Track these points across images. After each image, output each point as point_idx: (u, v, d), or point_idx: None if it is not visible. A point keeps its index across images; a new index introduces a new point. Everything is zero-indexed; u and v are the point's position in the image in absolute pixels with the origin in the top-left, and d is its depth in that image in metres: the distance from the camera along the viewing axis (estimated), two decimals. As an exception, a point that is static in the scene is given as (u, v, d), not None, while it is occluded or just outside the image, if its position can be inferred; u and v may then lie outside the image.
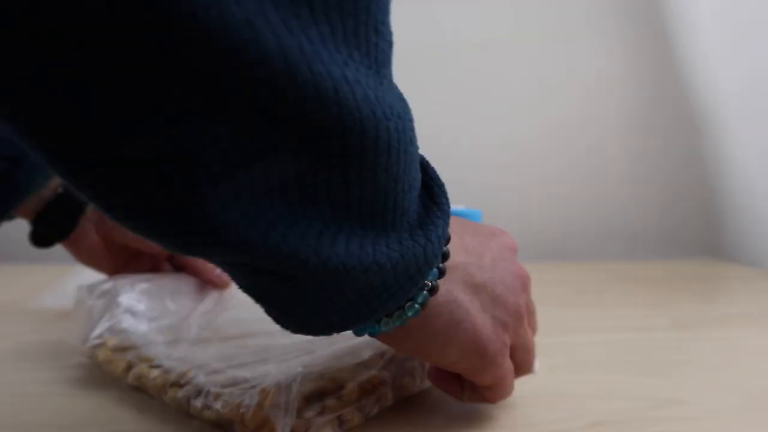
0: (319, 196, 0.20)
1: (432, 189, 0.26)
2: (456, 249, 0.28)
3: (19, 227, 0.50)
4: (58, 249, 0.50)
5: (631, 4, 0.91)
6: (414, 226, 0.24)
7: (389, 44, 0.21)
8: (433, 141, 0.87)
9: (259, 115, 0.18)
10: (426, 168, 0.27)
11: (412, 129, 0.23)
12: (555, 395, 0.37)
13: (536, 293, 0.65)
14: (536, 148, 0.90)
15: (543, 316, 0.56)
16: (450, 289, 0.27)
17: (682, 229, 0.96)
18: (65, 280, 0.63)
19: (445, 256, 0.26)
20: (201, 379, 0.32)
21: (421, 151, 0.27)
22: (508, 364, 0.31)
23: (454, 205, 0.64)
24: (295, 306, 0.23)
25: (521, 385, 0.39)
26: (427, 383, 0.36)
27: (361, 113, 0.19)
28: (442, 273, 0.26)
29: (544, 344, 0.47)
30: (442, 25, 0.86)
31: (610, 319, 0.55)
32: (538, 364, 0.36)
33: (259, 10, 0.16)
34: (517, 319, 0.31)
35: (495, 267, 0.31)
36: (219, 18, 0.15)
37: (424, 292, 0.26)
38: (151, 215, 0.18)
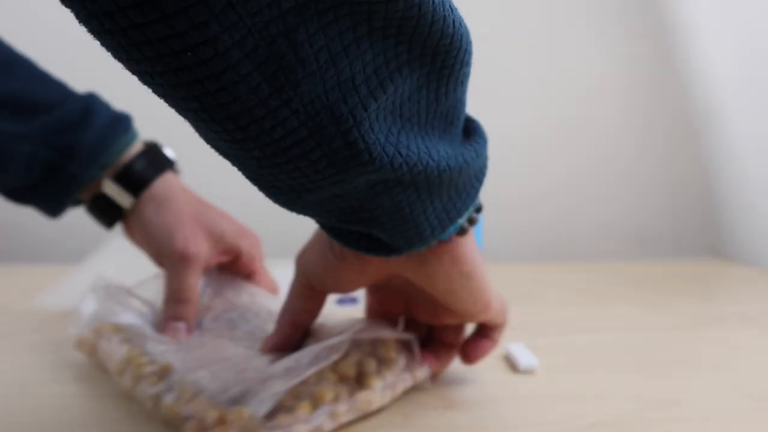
0: (420, 110, 0.24)
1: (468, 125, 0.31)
2: None
3: (20, 227, 0.50)
4: (57, 249, 0.50)
5: (631, 4, 0.91)
6: (463, 138, 0.29)
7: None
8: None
9: (399, 40, 0.21)
10: None
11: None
12: (555, 395, 0.37)
13: (536, 293, 0.66)
14: (536, 148, 0.90)
15: (543, 316, 0.56)
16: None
17: (683, 229, 0.96)
18: (65, 280, 0.63)
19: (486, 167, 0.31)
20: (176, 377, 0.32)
21: None
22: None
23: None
24: (408, 215, 0.27)
25: (521, 385, 0.39)
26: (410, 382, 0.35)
27: (462, 35, 0.23)
28: (478, 209, 0.32)
29: (545, 344, 0.47)
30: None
31: (610, 319, 0.55)
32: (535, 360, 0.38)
33: None
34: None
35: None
36: None
37: (472, 210, 0.31)
38: (319, 142, 0.21)
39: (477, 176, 0.30)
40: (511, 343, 0.47)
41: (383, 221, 0.27)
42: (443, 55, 0.23)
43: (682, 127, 0.94)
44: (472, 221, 0.31)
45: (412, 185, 0.25)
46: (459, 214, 0.29)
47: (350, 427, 0.32)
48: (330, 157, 0.21)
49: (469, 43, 0.24)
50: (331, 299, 0.57)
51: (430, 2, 0.20)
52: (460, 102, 0.27)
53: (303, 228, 0.88)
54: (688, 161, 0.95)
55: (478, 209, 0.32)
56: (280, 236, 0.85)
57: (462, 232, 0.31)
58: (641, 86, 0.93)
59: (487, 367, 0.42)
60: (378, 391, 0.33)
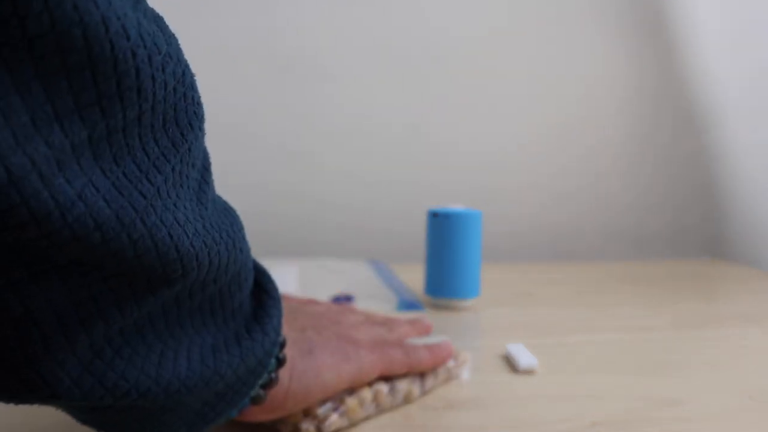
0: (156, 322, 0.21)
1: (259, 278, 0.28)
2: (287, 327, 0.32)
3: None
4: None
5: (631, 4, 0.91)
6: (250, 319, 0.26)
7: (206, 162, 0.23)
8: (433, 142, 0.87)
9: (100, 277, 0.18)
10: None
11: (243, 234, 0.25)
12: (555, 395, 0.37)
13: (537, 293, 0.66)
14: (536, 148, 0.90)
15: (543, 316, 0.56)
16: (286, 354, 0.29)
17: (683, 229, 0.96)
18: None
19: (282, 345, 0.28)
20: None
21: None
22: (377, 347, 0.34)
23: (455, 206, 0.64)
24: (138, 428, 0.23)
25: (521, 385, 0.39)
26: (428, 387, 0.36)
27: (195, 248, 0.20)
28: (281, 362, 0.28)
29: (545, 344, 0.47)
30: (442, 25, 0.86)
31: (610, 319, 0.55)
32: (467, 373, 0.40)
33: (88, 182, 0.16)
34: (334, 322, 0.36)
35: (305, 312, 0.37)
36: (53, 199, 0.15)
37: (261, 389, 0.27)
38: None
39: (248, 375, 0.25)
40: (511, 343, 0.47)
41: (106, 428, 0.23)
42: (167, 276, 0.19)
43: (682, 128, 0.94)
44: (270, 383, 0.27)
45: (133, 408, 0.21)
46: (222, 414, 0.25)
47: (350, 427, 0.32)
48: (4, 383, 0.18)
49: (218, 253, 0.21)
50: (326, 297, 0.57)
51: (125, 237, 0.17)
52: (226, 294, 0.24)
53: (303, 228, 0.88)
54: (688, 161, 0.95)
55: (281, 361, 0.27)
56: (280, 236, 0.85)
57: (258, 400, 0.27)
58: (642, 87, 0.93)
59: (487, 367, 0.42)
60: (415, 380, 0.36)
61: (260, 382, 0.26)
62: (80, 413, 0.22)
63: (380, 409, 0.33)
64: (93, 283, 0.18)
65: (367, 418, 0.33)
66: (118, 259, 0.18)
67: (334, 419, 0.31)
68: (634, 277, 0.75)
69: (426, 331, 0.42)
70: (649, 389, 0.38)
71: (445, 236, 0.56)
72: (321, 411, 0.30)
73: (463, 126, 0.88)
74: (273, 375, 0.27)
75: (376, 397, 0.33)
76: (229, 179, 0.83)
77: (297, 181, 0.84)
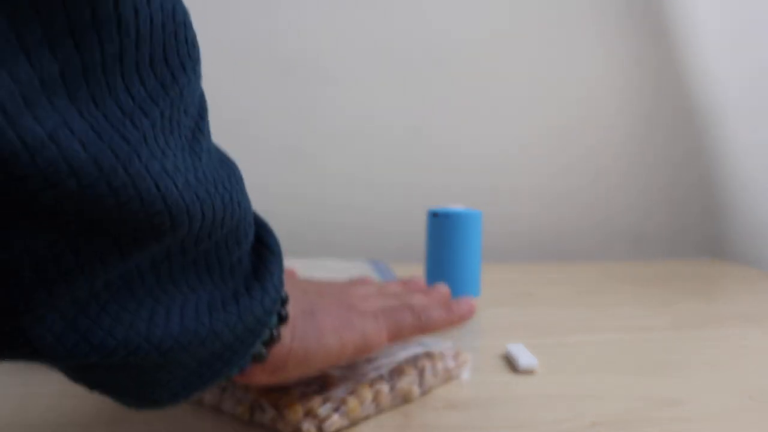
0: (146, 277, 0.20)
1: (260, 232, 0.26)
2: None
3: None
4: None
5: (631, 4, 0.91)
6: (249, 276, 0.24)
7: (202, 111, 0.21)
8: (433, 142, 0.87)
9: (80, 228, 0.17)
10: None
11: (241, 187, 0.23)
12: (555, 395, 0.37)
13: (537, 293, 0.66)
14: (536, 148, 0.90)
15: (543, 316, 0.56)
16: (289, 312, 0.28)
17: (683, 229, 0.96)
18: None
19: (285, 301, 0.26)
20: None
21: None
22: (382, 313, 0.32)
23: (455, 206, 0.64)
24: (131, 387, 0.22)
25: (521, 385, 0.39)
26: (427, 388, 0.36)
27: (185, 200, 0.19)
28: (282, 319, 0.26)
29: (545, 344, 0.47)
30: (443, 27, 0.86)
31: (610, 319, 0.55)
32: (467, 374, 0.39)
33: (61, 122, 0.15)
34: (340, 291, 0.34)
35: (309, 281, 0.35)
36: (19, 138, 0.14)
37: (263, 347, 0.26)
38: None
39: (247, 334, 0.24)
40: (511, 343, 0.47)
41: (97, 386, 0.22)
42: (154, 230, 0.18)
43: (682, 128, 0.94)
44: (272, 341, 0.26)
45: (124, 366, 0.21)
46: (220, 373, 0.24)
47: (351, 427, 0.32)
48: None
49: (212, 206, 0.20)
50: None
51: (104, 185, 0.16)
52: (222, 250, 0.22)
53: (305, 228, 0.88)
54: (689, 162, 0.95)
55: (283, 318, 0.26)
56: (282, 237, 0.85)
57: (259, 358, 0.26)
58: (641, 87, 0.93)
59: (487, 367, 0.42)
60: (415, 380, 0.35)
61: (262, 339, 0.25)
62: (70, 371, 0.21)
63: (380, 409, 0.33)
64: (73, 234, 0.17)
65: (367, 418, 0.33)
66: (97, 208, 0.16)
67: (335, 419, 0.31)
68: (634, 277, 0.75)
69: (443, 296, 0.38)
70: (649, 389, 0.38)
71: (445, 236, 0.56)
72: (322, 411, 0.31)
73: (464, 127, 0.88)
74: (275, 332, 0.26)
75: (376, 397, 0.33)
76: (230, 179, 0.83)
77: (299, 182, 0.84)
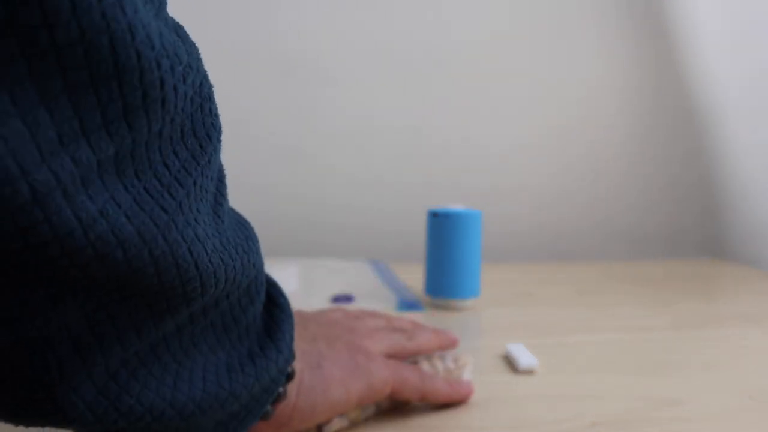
0: (171, 341, 0.20)
1: (270, 291, 0.27)
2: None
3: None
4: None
5: (631, 5, 0.91)
6: (262, 335, 0.25)
7: (221, 175, 0.22)
8: (434, 143, 0.87)
9: (119, 297, 0.17)
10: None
11: (257, 248, 0.24)
12: (555, 395, 0.37)
13: (537, 293, 0.66)
14: (536, 148, 0.90)
15: (543, 316, 0.56)
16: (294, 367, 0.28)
17: (682, 229, 0.96)
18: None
19: (292, 359, 0.27)
20: None
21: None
22: (392, 364, 0.32)
23: (455, 206, 0.64)
24: None
25: (521, 385, 0.39)
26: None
27: (213, 265, 0.19)
28: (289, 376, 0.27)
29: (545, 344, 0.47)
30: (443, 28, 0.86)
31: (610, 319, 0.55)
32: (469, 375, 0.39)
33: (110, 198, 0.16)
34: (349, 330, 0.34)
35: (318, 321, 0.35)
36: (75, 216, 0.15)
37: (268, 406, 0.26)
38: (4, 393, 0.17)
39: (262, 393, 0.24)
40: (511, 343, 0.47)
41: None
42: (186, 296, 0.19)
43: (682, 128, 0.94)
44: (278, 398, 0.27)
45: (147, 430, 0.21)
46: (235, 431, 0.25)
47: (351, 427, 0.32)
48: (18, 406, 0.18)
49: (234, 269, 0.21)
50: (326, 297, 0.57)
51: (146, 254, 0.17)
52: (234, 306, 0.23)
53: (305, 228, 0.88)
54: (689, 161, 0.95)
55: (289, 376, 0.27)
56: (282, 236, 0.85)
57: (265, 416, 0.26)
58: (641, 87, 0.93)
59: (487, 367, 0.42)
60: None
61: (266, 406, 0.26)
62: None
63: (380, 409, 0.33)
64: (111, 305, 0.17)
65: (367, 418, 0.33)
66: (138, 277, 0.17)
67: (335, 420, 0.31)
68: (634, 277, 0.75)
69: (452, 344, 0.39)
70: (649, 389, 0.38)
71: (445, 236, 0.56)
72: None
73: (464, 128, 0.88)
74: (281, 389, 0.26)
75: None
76: (232, 180, 0.83)
77: (299, 182, 0.84)
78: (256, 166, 0.83)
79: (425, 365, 0.37)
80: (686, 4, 0.92)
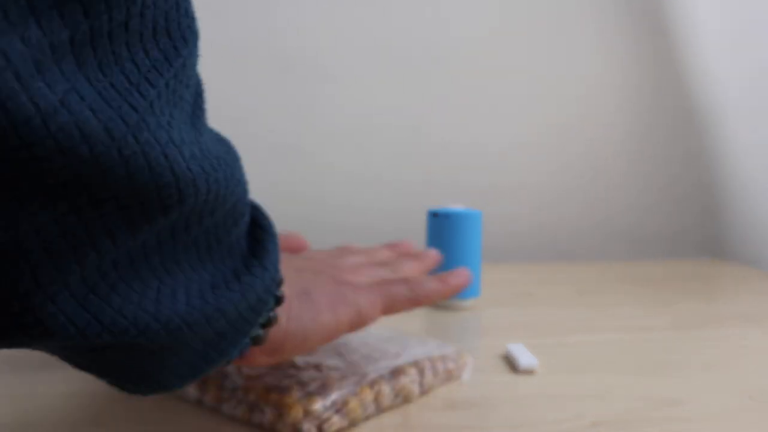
0: (151, 256, 0.19)
1: (254, 213, 0.26)
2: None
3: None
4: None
5: (631, 2, 0.91)
6: (247, 255, 0.24)
7: (199, 88, 0.21)
8: (434, 142, 0.87)
9: (89, 200, 0.16)
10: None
11: (239, 165, 0.23)
12: (555, 395, 0.37)
13: (537, 293, 0.66)
14: (535, 147, 0.90)
15: (543, 316, 0.56)
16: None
17: (682, 229, 0.96)
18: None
19: (280, 283, 0.26)
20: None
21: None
22: (376, 286, 0.32)
23: (454, 206, 0.64)
24: (138, 371, 0.22)
25: (521, 385, 0.39)
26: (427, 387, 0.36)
27: (192, 172, 0.18)
28: (279, 300, 0.26)
29: (545, 344, 0.47)
30: (442, 25, 0.86)
31: (610, 319, 0.55)
32: (467, 373, 0.39)
33: (71, 88, 0.15)
34: (332, 266, 0.34)
35: (302, 257, 0.35)
36: (32, 103, 0.14)
37: (261, 329, 0.26)
38: None
39: (249, 312, 0.24)
40: (511, 343, 0.47)
41: (105, 373, 0.22)
42: (163, 202, 0.18)
43: (682, 128, 0.94)
44: (269, 322, 0.26)
45: (133, 347, 0.20)
46: (224, 354, 0.24)
47: (351, 427, 0.32)
48: None
49: (216, 180, 0.20)
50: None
51: (115, 152, 0.16)
52: (221, 228, 0.22)
53: (303, 227, 0.88)
54: (689, 161, 0.95)
55: (279, 300, 0.26)
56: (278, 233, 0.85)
57: (258, 340, 0.26)
58: (641, 86, 0.93)
59: (487, 367, 0.42)
60: (415, 380, 0.35)
61: (262, 318, 0.25)
62: (77, 356, 0.21)
63: (380, 409, 0.33)
64: (82, 209, 0.16)
65: (367, 418, 0.33)
66: (108, 178, 0.16)
67: (335, 420, 0.31)
68: (634, 277, 0.75)
69: (434, 261, 0.39)
70: (649, 389, 0.38)
71: (445, 236, 0.56)
72: (322, 411, 0.31)
73: (463, 126, 0.88)
74: (272, 314, 0.26)
75: (376, 397, 0.33)
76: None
77: (297, 180, 0.84)
78: (254, 164, 0.83)
79: (427, 365, 0.37)
80: (686, 2, 0.92)
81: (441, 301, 0.34)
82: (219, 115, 0.81)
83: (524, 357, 0.42)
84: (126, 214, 0.17)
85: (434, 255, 0.39)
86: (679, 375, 0.41)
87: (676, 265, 0.85)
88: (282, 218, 0.84)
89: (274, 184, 0.84)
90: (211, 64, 0.81)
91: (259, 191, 0.84)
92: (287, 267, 0.31)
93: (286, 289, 0.28)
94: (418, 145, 0.86)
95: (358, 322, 0.30)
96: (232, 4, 0.81)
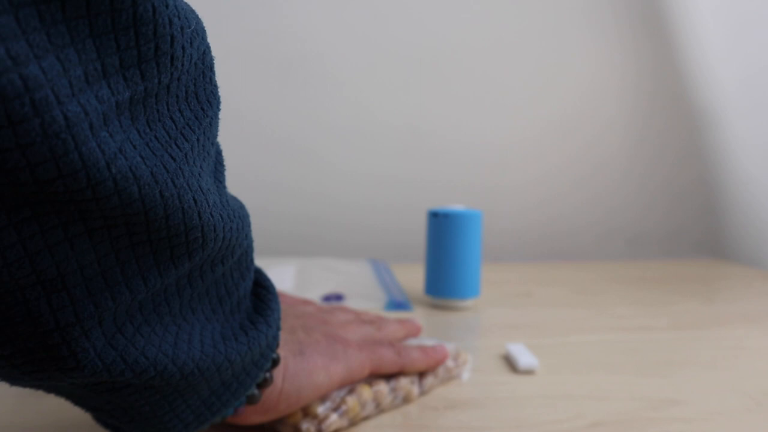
0: (171, 302, 0.21)
1: (257, 276, 0.29)
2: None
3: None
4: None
5: (630, 3, 0.91)
6: (252, 312, 0.26)
7: (219, 148, 0.24)
8: (433, 141, 0.87)
9: (129, 242, 0.18)
10: None
11: (249, 223, 0.25)
12: (555, 395, 0.37)
13: (536, 293, 0.66)
14: (535, 147, 0.90)
15: (543, 316, 0.56)
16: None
17: (682, 229, 0.96)
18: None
19: (276, 345, 0.28)
20: None
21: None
22: (366, 346, 0.34)
23: (454, 206, 0.64)
24: (147, 412, 0.23)
25: (521, 385, 0.39)
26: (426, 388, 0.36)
27: (214, 218, 0.21)
28: (275, 362, 0.28)
29: (545, 344, 0.47)
30: (442, 25, 0.86)
31: (610, 319, 0.55)
32: (467, 373, 0.40)
33: (126, 139, 0.17)
34: (323, 322, 0.36)
35: (293, 314, 0.37)
36: (99, 149, 0.16)
37: (256, 389, 0.27)
38: (11, 338, 0.18)
39: (252, 366, 0.26)
40: (511, 343, 0.47)
41: (117, 415, 0.23)
42: (189, 245, 0.20)
43: (681, 126, 0.94)
44: (265, 383, 0.28)
45: (149, 388, 0.22)
46: (226, 405, 0.26)
47: (350, 427, 0.32)
48: (26, 355, 0.18)
49: (231, 230, 0.22)
50: (318, 295, 0.57)
51: (157, 194, 0.18)
52: (227, 277, 0.24)
53: (305, 226, 0.88)
54: (688, 161, 0.95)
55: (275, 361, 0.28)
56: (281, 234, 0.85)
57: (252, 400, 0.27)
58: (639, 84, 0.93)
59: (487, 367, 0.42)
60: (415, 380, 0.36)
61: (261, 375, 0.27)
62: (95, 395, 0.22)
63: (380, 409, 0.33)
64: (121, 249, 0.18)
65: (367, 418, 0.33)
66: (149, 218, 0.18)
67: (334, 419, 0.31)
68: (633, 277, 0.75)
69: (415, 331, 0.42)
70: (649, 389, 0.38)
71: (445, 236, 0.56)
72: (321, 411, 0.30)
73: (463, 126, 0.88)
74: (267, 375, 0.28)
75: (376, 397, 0.33)
76: (232, 178, 0.83)
77: (299, 179, 0.84)
78: (257, 164, 0.83)
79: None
80: (685, 1, 0.92)
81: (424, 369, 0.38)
82: (224, 115, 0.81)
83: (524, 357, 0.42)
84: (158, 256, 0.19)
85: (417, 325, 0.42)
86: (678, 375, 0.41)
87: (676, 265, 0.85)
88: (282, 217, 0.84)
89: (276, 182, 0.84)
90: (217, 65, 0.80)
91: (261, 189, 0.84)
92: (282, 327, 0.33)
93: (281, 351, 0.30)
94: (418, 145, 0.86)
95: (349, 380, 0.32)
96: (235, 5, 0.81)
